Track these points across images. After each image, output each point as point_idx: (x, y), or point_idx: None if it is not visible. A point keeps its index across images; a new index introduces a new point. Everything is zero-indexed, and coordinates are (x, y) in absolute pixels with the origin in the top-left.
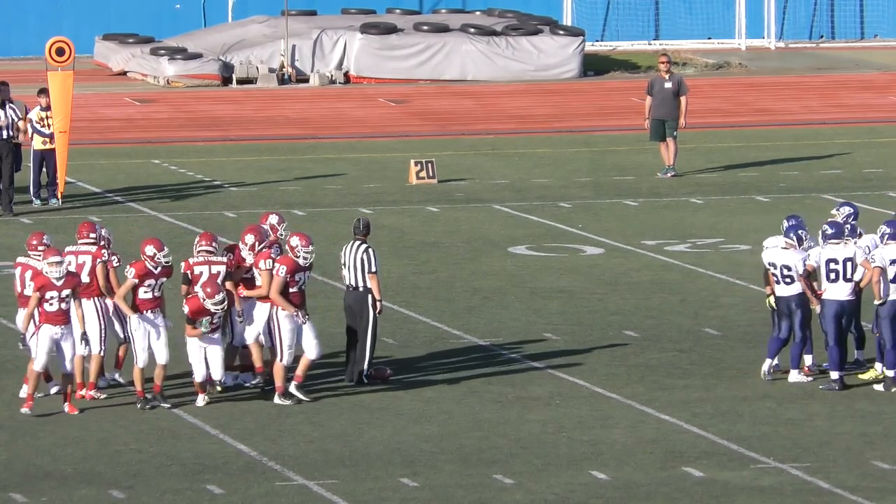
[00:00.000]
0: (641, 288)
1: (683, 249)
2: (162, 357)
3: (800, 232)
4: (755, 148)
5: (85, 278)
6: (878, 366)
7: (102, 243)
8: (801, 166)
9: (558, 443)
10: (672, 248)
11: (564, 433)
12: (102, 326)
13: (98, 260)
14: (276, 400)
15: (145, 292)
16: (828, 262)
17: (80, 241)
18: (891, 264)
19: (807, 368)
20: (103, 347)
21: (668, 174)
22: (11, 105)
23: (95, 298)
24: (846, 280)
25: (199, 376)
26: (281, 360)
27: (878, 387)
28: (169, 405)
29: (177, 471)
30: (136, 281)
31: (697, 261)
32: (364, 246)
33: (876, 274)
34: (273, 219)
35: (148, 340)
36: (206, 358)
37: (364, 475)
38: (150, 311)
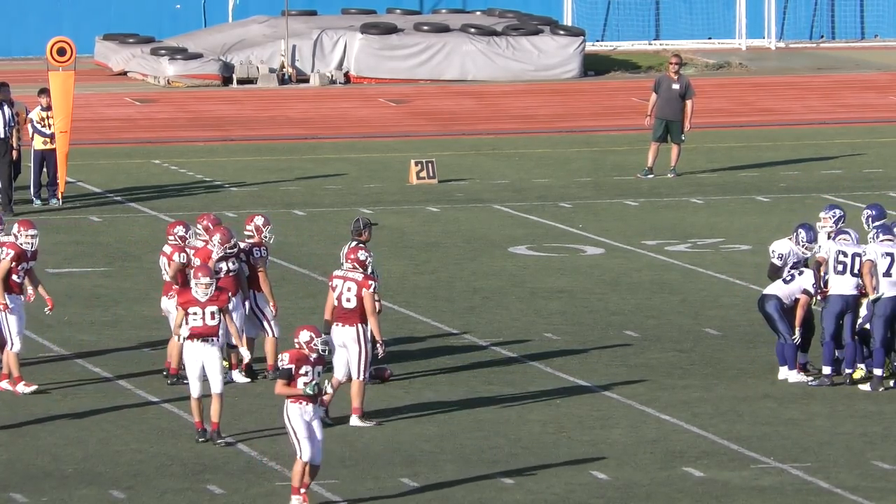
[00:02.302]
0: (642, 288)
1: (683, 249)
2: (217, 386)
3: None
4: (756, 148)
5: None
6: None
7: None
8: (802, 166)
9: (558, 443)
10: (672, 248)
11: (564, 433)
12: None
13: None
14: (356, 422)
15: (193, 319)
16: (837, 253)
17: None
18: (883, 257)
19: (799, 366)
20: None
21: (647, 175)
22: (11, 105)
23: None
24: (853, 274)
25: (305, 454)
26: (363, 377)
27: (864, 386)
28: (225, 442)
29: (177, 471)
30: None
31: (697, 261)
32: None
33: (867, 267)
34: (259, 220)
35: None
36: (315, 433)
37: (364, 475)
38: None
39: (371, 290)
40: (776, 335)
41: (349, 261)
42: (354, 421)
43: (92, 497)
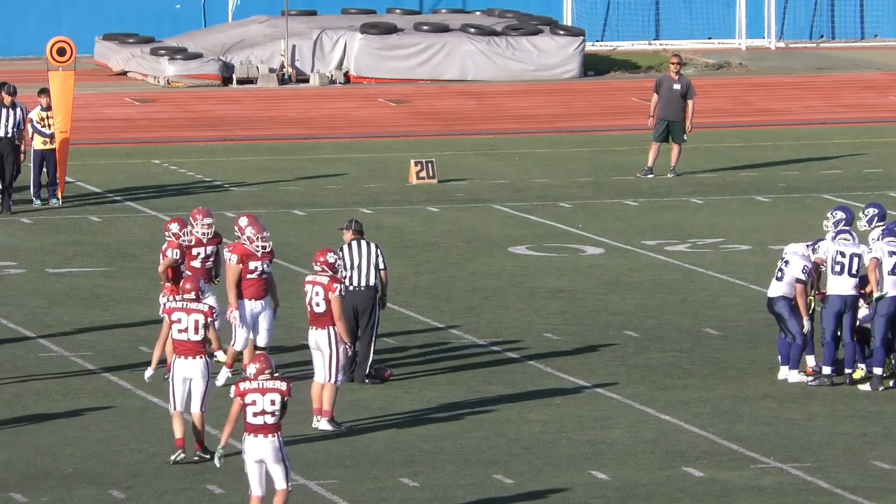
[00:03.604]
0: (641, 288)
1: (683, 249)
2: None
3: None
4: (755, 148)
5: None
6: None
7: None
8: (802, 166)
9: (558, 443)
10: (672, 248)
11: (564, 433)
12: None
13: None
14: (325, 426)
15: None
16: (836, 253)
17: None
18: (889, 256)
19: (809, 369)
20: None
21: (647, 175)
22: (20, 107)
23: None
24: (851, 275)
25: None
26: (335, 381)
27: (864, 386)
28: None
29: (177, 471)
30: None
31: (697, 261)
32: (374, 244)
33: (872, 264)
34: (242, 220)
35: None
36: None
37: (364, 475)
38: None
39: (337, 293)
40: (784, 334)
41: (318, 264)
42: (323, 424)
43: (92, 497)
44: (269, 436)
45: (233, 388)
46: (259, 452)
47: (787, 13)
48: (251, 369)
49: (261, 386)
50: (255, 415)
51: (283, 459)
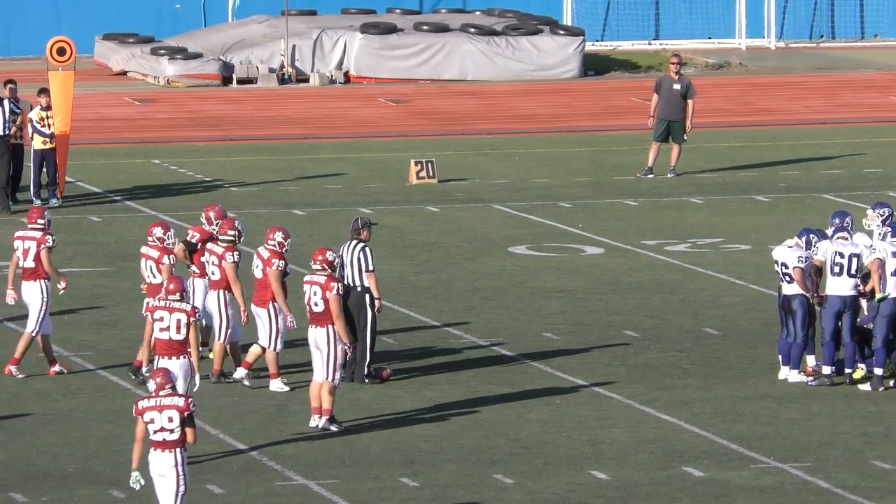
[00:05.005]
0: (641, 288)
1: (683, 249)
2: None
3: (811, 236)
4: (755, 148)
5: (30, 263)
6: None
7: (49, 229)
8: (802, 166)
9: (558, 443)
10: (672, 248)
11: (564, 433)
12: (44, 309)
13: (42, 245)
14: (325, 425)
15: None
16: (834, 254)
17: (29, 226)
18: (892, 256)
19: (809, 369)
20: (38, 329)
21: (647, 174)
22: (13, 103)
23: (42, 281)
24: (850, 275)
25: None
26: (332, 380)
27: (864, 386)
28: None
29: None
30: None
31: (697, 261)
32: (360, 245)
33: (875, 265)
34: (237, 223)
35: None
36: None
37: (364, 475)
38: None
39: (335, 291)
40: (786, 333)
41: (317, 263)
42: (323, 423)
43: (92, 497)
44: (171, 451)
45: (133, 406)
46: (159, 467)
47: (787, 13)
48: (151, 385)
49: (159, 403)
50: (155, 432)
51: (179, 476)
